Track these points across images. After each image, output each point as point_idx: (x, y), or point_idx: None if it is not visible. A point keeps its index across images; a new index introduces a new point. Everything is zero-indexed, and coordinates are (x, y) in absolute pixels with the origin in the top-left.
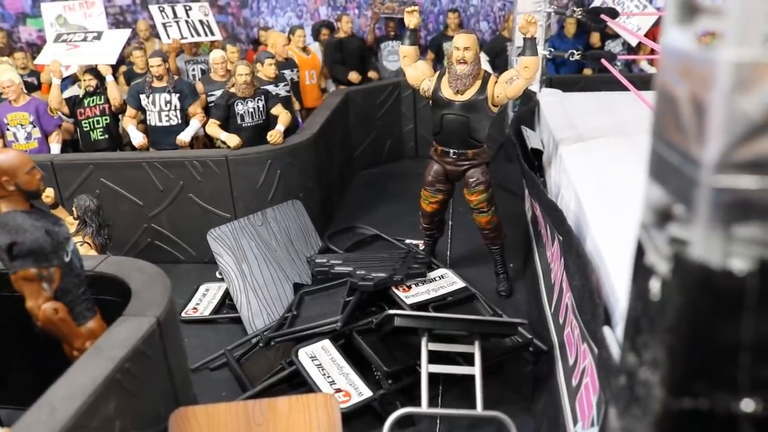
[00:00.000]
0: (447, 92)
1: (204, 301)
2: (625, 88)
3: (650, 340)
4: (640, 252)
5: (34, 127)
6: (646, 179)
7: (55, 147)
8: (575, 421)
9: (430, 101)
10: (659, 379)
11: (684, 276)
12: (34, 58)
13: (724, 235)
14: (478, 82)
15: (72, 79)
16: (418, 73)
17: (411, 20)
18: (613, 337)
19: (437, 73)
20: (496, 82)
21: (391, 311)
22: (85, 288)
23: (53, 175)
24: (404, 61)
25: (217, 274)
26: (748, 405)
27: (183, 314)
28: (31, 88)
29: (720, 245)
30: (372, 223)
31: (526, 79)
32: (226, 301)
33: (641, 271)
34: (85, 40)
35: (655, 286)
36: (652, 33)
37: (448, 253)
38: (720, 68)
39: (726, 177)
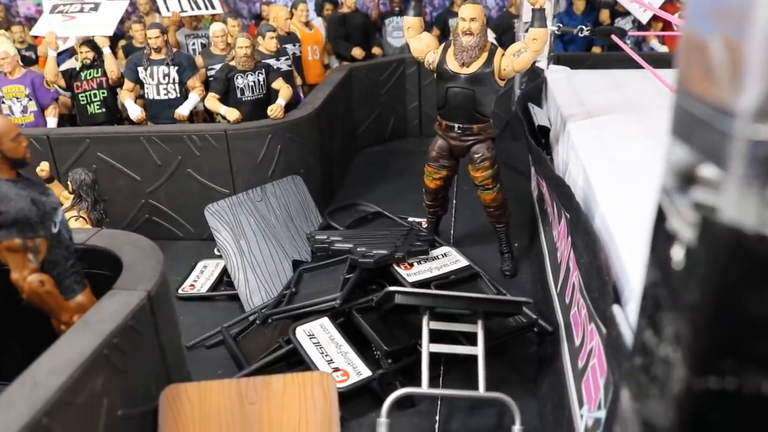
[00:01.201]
0: (452, 65)
1: (202, 278)
2: (635, 66)
3: (672, 313)
4: (660, 218)
5: (30, 100)
6: (668, 138)
7: (52, 121)
8: (581, 404)
9: (435, 74)
10: (681, 356)
11: (712, 241)
12: (32, 31)
13: (760, 195)
14: (485, 55)
15: (70, 52)
16: (423, 45)
17: None
18: (623, 316)
19: (442, 45)
20: (503, 54)
21: (392, 288)
22: (74, 260)
23: (49, 149)
24: (408, 33)
25: (216, 251)
26: None
27: (180, 291)
28: (29, 62)
29: (755, 207)
30: (374, 201)
31: (534, 51)
32: (224, 278)
33: (662, 238)
34: (81, 11)
35: (678, 253)
36: (664, 9)
37: (452, 231)
38: (758, 5)
39: (765, 127)
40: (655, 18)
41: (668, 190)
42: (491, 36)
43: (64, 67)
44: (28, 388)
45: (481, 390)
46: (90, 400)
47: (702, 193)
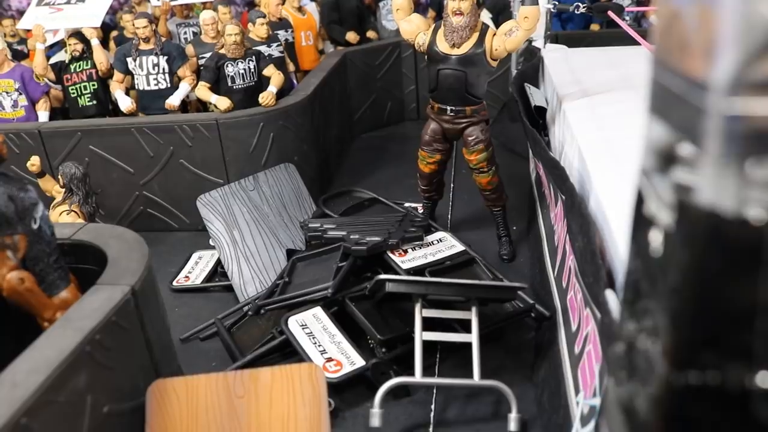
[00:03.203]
0: (443, 46)
1: (196, 269)
2: (634, 43)
3: (650, 303)
4: (640, 202)
5: (21, 94)
6: (646, 116)
7: (43, 114)
8: (577, 391)
9: (426, 56)
10: (661, 349)
11: (690, 226)
12: None
13: (738, 174)
14: (476, 35)
15: (61, 45)
16: (413, 27)
17: None
18: (617, 301)
19: (433, 26)
20: (494, 34)
21: (382, 276)
22: (57, 256)
23: (41, 143)
24: (398, 14)
25: (211, 242)
26: (765, 379)
27: (174, 283)
28: (22, 56)
29: (733, 187)
30: (372, 187)
31: (525, 30)
32: (219, 269)
33: (641, 224)
34: (68, 2)
35: (656, 239)
36: None
37: (449, 215)
38: None
39: (740, 101)
40: None
41: (647, 172)
42: (487, 16)
43: (53, 59)
44: (6, 389)
45: (476, 378)
46: (73, 398)
47: (681, 172)
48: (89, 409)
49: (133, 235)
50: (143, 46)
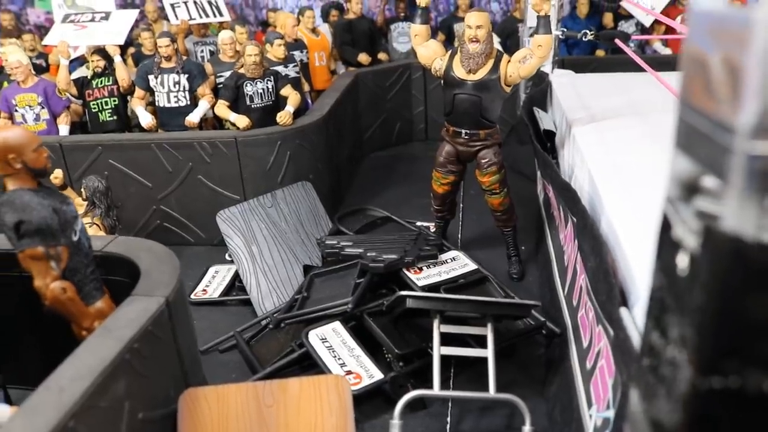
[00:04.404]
0: (459, 71)
1: (213, 283)
2: (639, 69)
3: (677, 317)
4: (665, 226)
5: (43, 108)
6: (672, 150)
7: (64, 128)
8: (590, 405)
9: (442, 81)
10: (687, 357)
11: (715, 249)
12: (42, 40)
13: (759, 205)
14: (491, 62)
15: (81, 61)
16: (430, 53)
17: None
18: (631, 318)
19: (449, 52)
20: (509, 61)
21: (403, 292)
22: (93, 267)
23: (62, 156)
24: (415, 40)
25: (227, 257)
26: None
27: (192, 296)
28: (39, 70)
29: (754, 216)
30: (382, 205)
31: (539, 57)
32: (236, 283)
33: (667, 246)
34: (92, 20)
35: (683, 261)
36: (667, 13)
37: (459, 235)
38: (756, 27)
39: (762, 143)
40: (658, 21)
41: (673, 200)
42: (496, 41)
43: (75, 75)
44: (54, 394)
45: (491, 391)
46: (113, 403)
47: (705, 202)
48: (126, 415)
49: (162, 248)
50: (165, 64)
